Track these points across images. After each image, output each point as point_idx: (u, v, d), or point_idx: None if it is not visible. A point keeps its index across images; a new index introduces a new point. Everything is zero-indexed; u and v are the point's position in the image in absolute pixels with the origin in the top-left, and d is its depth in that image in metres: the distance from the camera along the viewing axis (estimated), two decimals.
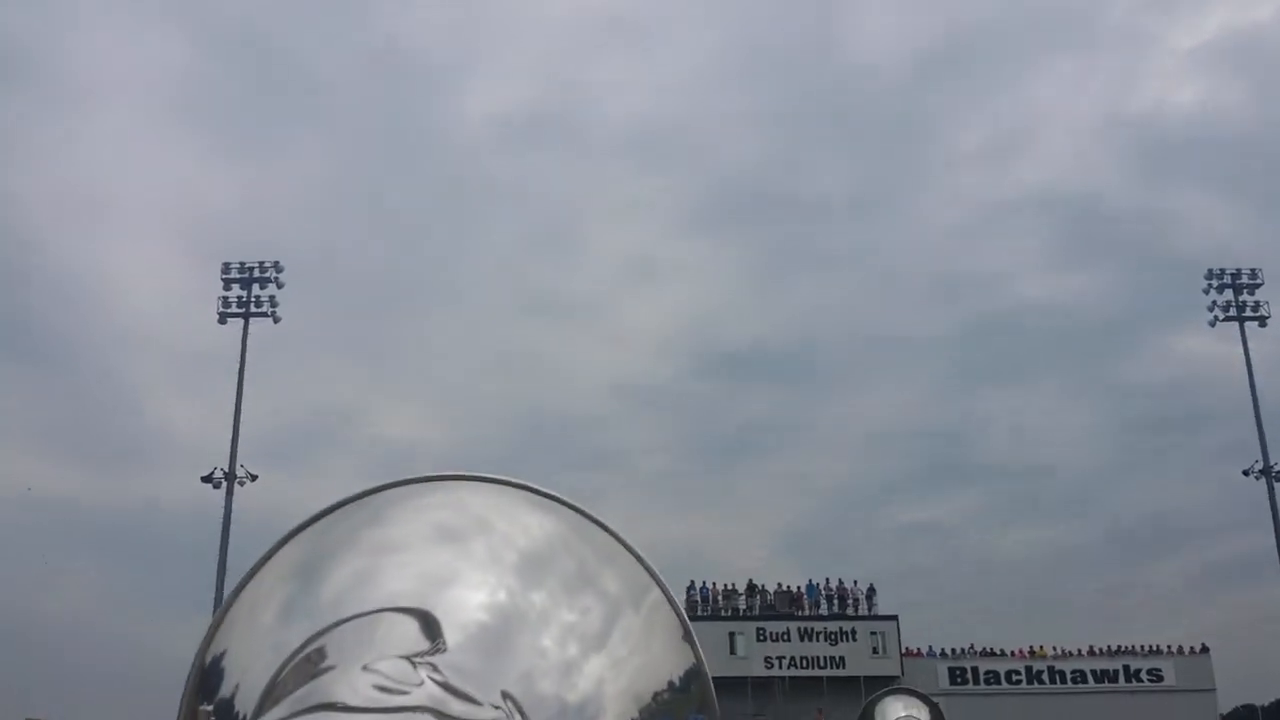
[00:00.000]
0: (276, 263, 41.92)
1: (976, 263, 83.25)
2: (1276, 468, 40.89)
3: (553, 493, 0.81)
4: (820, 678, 41.32)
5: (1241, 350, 42.33)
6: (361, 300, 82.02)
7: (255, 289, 41.43)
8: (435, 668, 0.59)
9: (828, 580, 44.52)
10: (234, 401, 39.21)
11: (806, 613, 43.44)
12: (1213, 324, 43.13)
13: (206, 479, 38.16)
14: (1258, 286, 43.19)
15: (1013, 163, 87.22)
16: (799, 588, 44.44)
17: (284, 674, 0.67)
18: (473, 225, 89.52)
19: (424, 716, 0.52)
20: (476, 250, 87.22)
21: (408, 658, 0.61)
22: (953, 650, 44.09)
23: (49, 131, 77.37)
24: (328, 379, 75.65)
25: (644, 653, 0.77)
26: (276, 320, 41.54)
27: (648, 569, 0.80)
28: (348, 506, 0.80)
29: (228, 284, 41.58)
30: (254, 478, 38.49)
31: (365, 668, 0.57)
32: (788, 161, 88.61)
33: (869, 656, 41.86)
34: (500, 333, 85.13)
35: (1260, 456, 41.11)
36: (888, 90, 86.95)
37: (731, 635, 41.23)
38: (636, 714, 0.73)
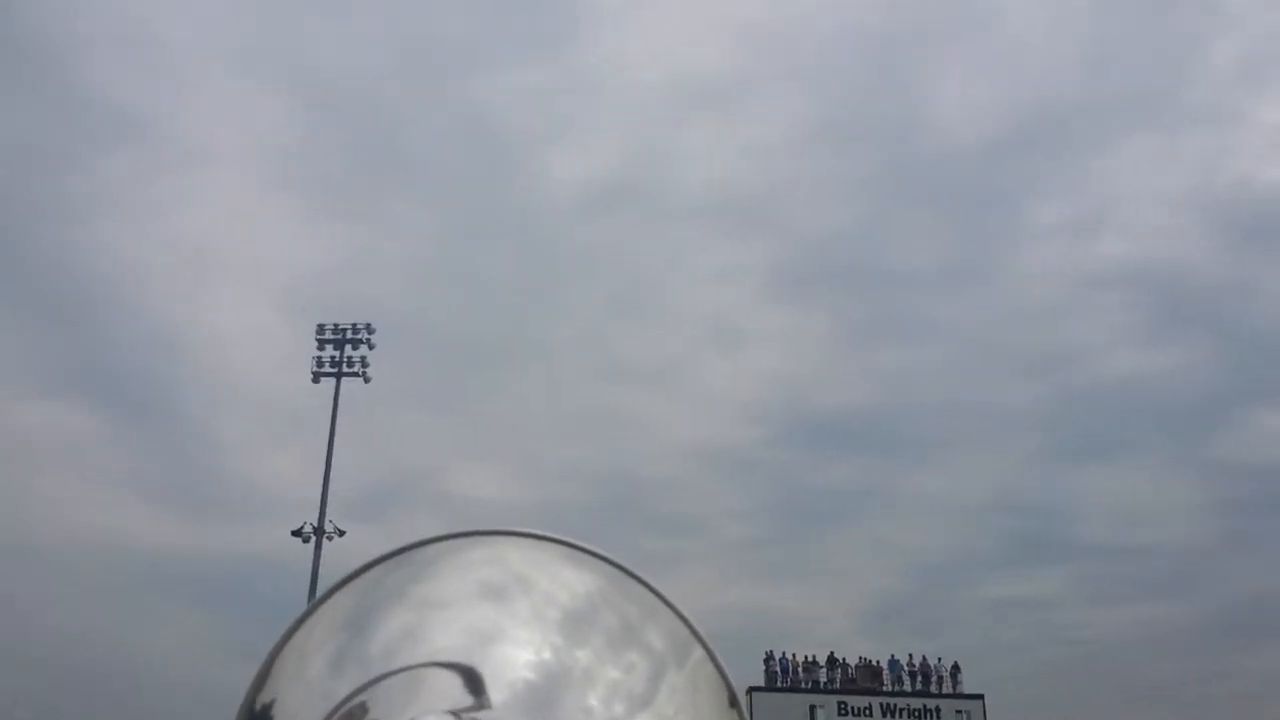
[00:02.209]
0: (369, 325, 43.08)
1: (1065, 336, 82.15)
2: None
3: (592, 548, 0.82)
4: None
5: None
6: (448, 361, 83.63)
7: (348, 349, 42.54)
8: None
9: (910, 656, 43.56)
10: (324, 458, 40.11)
11: (888, 688, 42.47)
12: None
13: (296, 533, 38.91)
14: None
15: (1100, 237, 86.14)
16: (880, 662, 43.56)
17: None
18: (558, 290, 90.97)
19: None
20: (561, 314, 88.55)
21: (453, 713, 0.62)
22: None
23: (160, 191, 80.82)
24: (414, 438, 76.95)
25: (690, 711, 0.78)
26: (367, 380, 42.56)
27: (690, 626, 0.80)
28: (393, 560, 0.83)
29: (321, 344, 42.76)
30: (342, 533, 39.16)
31: None
32: (873, 231, 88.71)
33: None
34: (584, 395, 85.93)
35: None
36: (974, 163, 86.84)
37: (812, 708, 40.39)
38: None
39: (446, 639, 0.76)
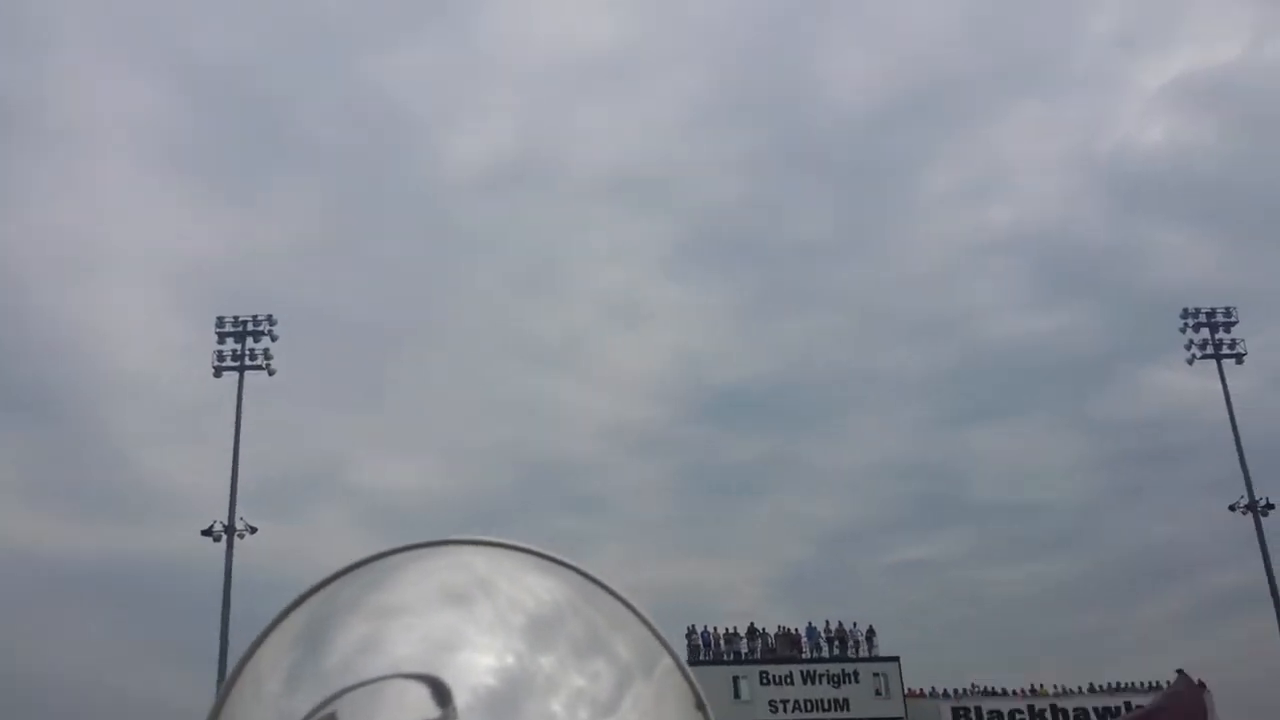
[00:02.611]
0: (270, 316, 42.10)
1: (957, 301, 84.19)
2: (1262, 502, 41.26)
3: (560, 556, 0.81)
4: None
5: (1220, 386, 42.86)
6: (351, 348, 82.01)
7: (249, 342, 41.51)
8: None
9: (827, 623, 44.52)
10: (231, 455, 39.14)
11: (807, 655, 43.36)
12: (1190, 362, 43.94)
13: (206, 532, 37.94)
14: (1233, 325, 43.80)
15: (988, 204, 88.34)
16: (798, 630, 44.42)
17: None
18: (458, 272, 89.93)
19: None
20: (463, 298, 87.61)
21: None
22: (955, 690, 44.04)
23: (35, 180, 77.41)
24: (322, 430, 75.27)
25: (654, 719, 0.76)
26: (271, 373, 41.60)
27: (658, 636, 0.79)
28: (351, 573, 0.80)
29: (222, 338, 41.64)
30: (253, 530, 38.30)
31: None
32: (768, 205, 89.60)
33: (872, 698, 41.77)
34: (489, 379, 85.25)
35: (1245, 491, 41.51)
36: (864, 136, 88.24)
37: (735, 679, 40.99)
38: None
39: (406, 648, 0.73)
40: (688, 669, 0.79)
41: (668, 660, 0.78)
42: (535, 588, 0.78)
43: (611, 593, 0.79)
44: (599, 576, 0.80)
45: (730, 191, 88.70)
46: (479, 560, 0.80)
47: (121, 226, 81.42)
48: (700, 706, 0.78)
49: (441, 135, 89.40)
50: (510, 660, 0.73)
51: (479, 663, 0.73)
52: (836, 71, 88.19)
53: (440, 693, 0.68)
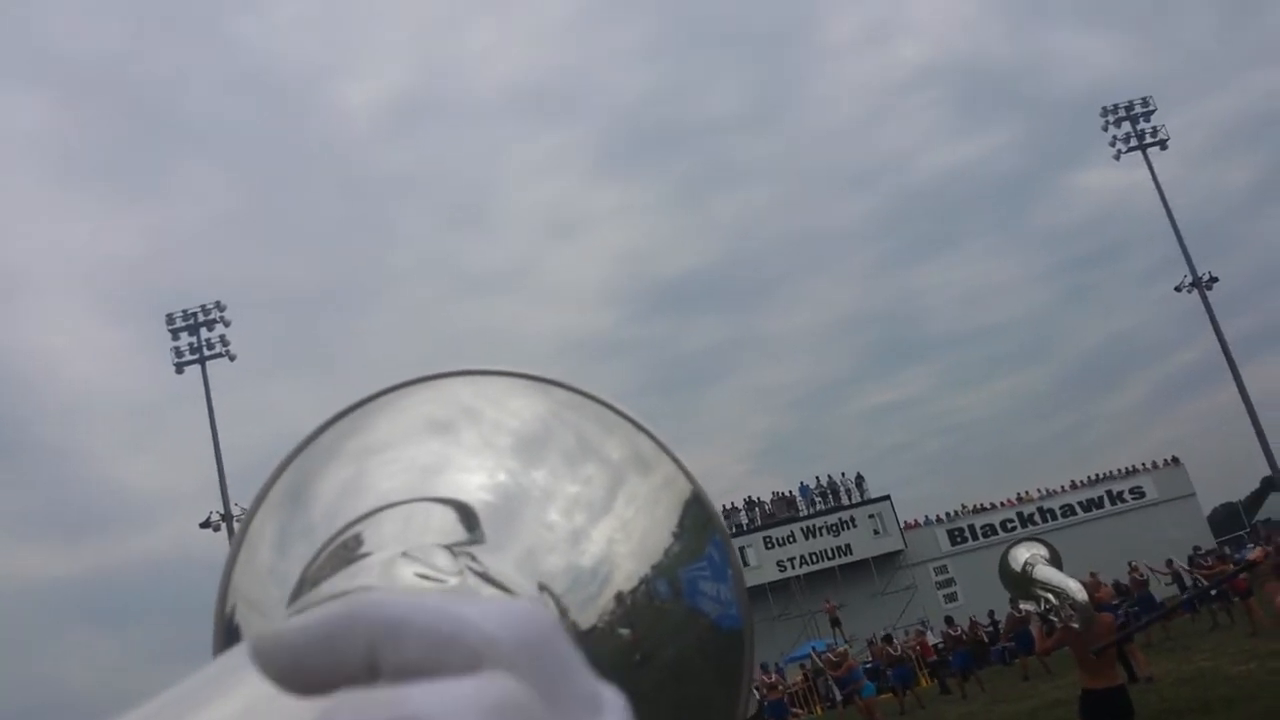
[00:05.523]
0: (218, 302, 42.09)
1: (881, 146, 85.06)
2: (1205, 276, 42.50)
3: (544, 374, 0.79)
4: (831, 568, 43.10)
5: (1148, 176, 43.79)
6: (297, 317, 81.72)
7: (204, 332, 41.63)
8: (474, 557, 0.59)
9: (817, 479, 46.21)
10: (211, 448, 39.60)
11: (804, 513, 45.09)
12: (1117, 158, 44.77)
13: (204, 525, 38.54)
14: (1152, 113, 44.66)
15: (891, 44, 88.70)
16: (792, 491, 46.02)
17: (313, 566, 0.65)
18: (386, 219, 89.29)
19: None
20: (397, 243, 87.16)
21: (446, 546, 0.60)
22: (947, 514, 46.02)
23: None
24: (292, 402, 75.40)
25: (649, 511, 0.75)
26: (232, 358, 41.76)
27: (649, 434, 0.77)
28: (331, 426, 0.77)
29: (175, 333, 41.65)
30: None
31: (406, 554, 0.56)
32: (677, 88, 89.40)
33: (871, 538, 43.70)
34: (439, 318, 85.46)
35: (1188, 271, 42.75)
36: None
37: (742, 550, 42.44)
38: (648, 571, 0.71)
39: (391, 481, 0.71)
40: (684, 463, 0.77)
41: (663, 457, 0.76)
42: (519, 408, 0.77)
43: (600, 401, 0.78)
44: (587, 388, 0.78)
45: (636, 82, 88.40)
46: (461, 390, 0.78)
47: (29, 246, 79.85)
48: (698, 498, 0.76)
49: (335, 86, 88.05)
50: (502, 477, 0.72)
51: (470, 482, 0.71)
52: None
53: (467, 515, 0.67)
